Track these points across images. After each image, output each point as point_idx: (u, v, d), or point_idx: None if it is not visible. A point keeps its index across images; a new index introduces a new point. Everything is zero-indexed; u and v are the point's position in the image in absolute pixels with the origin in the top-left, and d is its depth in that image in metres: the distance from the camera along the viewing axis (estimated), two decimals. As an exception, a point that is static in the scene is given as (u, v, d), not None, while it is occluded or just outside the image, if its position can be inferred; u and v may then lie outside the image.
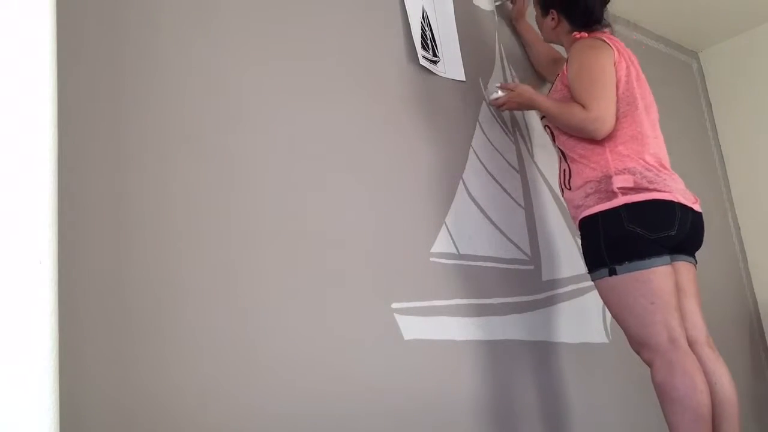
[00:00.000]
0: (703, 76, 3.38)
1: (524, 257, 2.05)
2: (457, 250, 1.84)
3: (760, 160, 3.15)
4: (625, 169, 1.68)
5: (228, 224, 1.39)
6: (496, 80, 2.19)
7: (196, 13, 1.47)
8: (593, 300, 2.20)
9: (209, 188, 1.39)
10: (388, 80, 1.84)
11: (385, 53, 1.86)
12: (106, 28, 1.32)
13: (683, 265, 1.73)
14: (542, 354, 1.96)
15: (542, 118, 2.00)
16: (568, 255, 2.20)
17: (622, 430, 2.14)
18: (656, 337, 1.58)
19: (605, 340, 2.19)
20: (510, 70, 2.27)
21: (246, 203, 1.44)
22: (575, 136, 1.77)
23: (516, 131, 2.21)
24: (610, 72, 1.74)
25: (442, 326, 1.73)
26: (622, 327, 1.67)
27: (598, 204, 1.68)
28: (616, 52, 1.77)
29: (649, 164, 1.70)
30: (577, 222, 1.77)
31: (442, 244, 1.81)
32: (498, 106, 1.96)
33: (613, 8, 2.85)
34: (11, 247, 0.77)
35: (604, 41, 1.80)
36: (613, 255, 1.63)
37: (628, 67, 1.78)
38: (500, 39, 2.27)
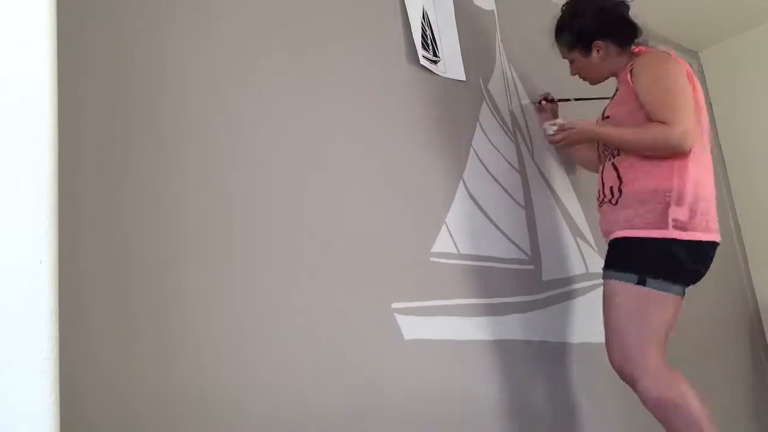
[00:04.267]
0: (704, 76, 3.38)
1: (524, 257, 2.05)
2: (458, 250, 1.84)
3: (760, 160, 3.15)
4: (684, 200, 1.63)
5: (228, 224, 1.39)
6: (497, 81, 2.19)
7: (197, 13, 1.47)
8: (594, 300, 2.20)
9: (209, 188, 1.39)
10: (388, 80, 1.84)
11: (385, 53, 1.86)
12: (106, 28, 1.32)
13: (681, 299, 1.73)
14: (542, 354, 1.96)
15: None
16: (568, 255, 2.20)
17: (622, 429, 2.14)
18: (647, 355, 1.60)
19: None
20: (510, 70, 2.27)
21: (246, 203, 1.44)
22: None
23: (516, 131, 2.21)
24: (685, 84, 1.68)
25: (443, 326, 1.73)
26: (614, 336, 1.66)
27: (645, 229, 1.65)
28: (687, 67, 1.72)
29: (707, 199, 1.67)
30: (610, 235, 1.74)
31: (442, 243, 1.81)
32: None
33: (613, 8, 2.85)
34: (11, 246, 0.77)
35: (671, 56, 1.74)
36: (649, 266, 1.62)
37: (694, 88, 1.72)
38: (500, 39, 2.27)
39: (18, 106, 0.82)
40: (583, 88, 2.11)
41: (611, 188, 1.77)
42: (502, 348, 1.86)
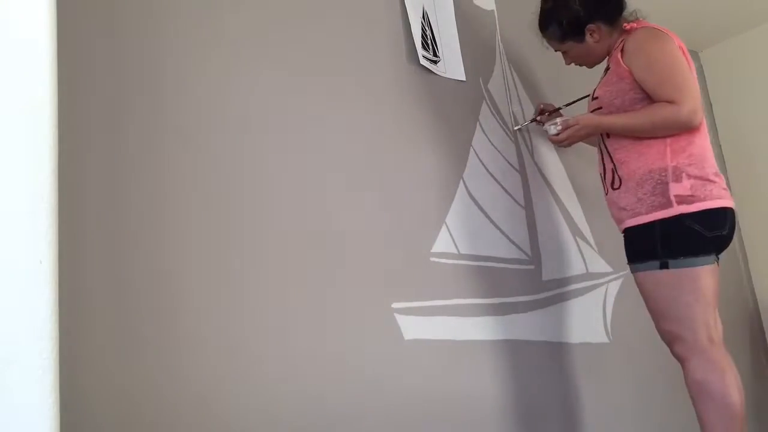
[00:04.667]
0: (704, 76, 3.38)
1: (524, 257, 2.05)
2: (458, 250, 1.84)
3: (760, 160, 3.15)
4: (682, 172, 1.63)
5: (228, 224, 1.39)
6: (497, 81, 2.19)
7: (197, 13, 1.47)
8: (594, 300, 2.20)
9: (209, 188, 1.39)
10: (388, 80, 1.84)
11: (385, 53, 1.86)
12: (107, 28, 1.32)
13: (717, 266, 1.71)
14: (543, 354, 1.96)
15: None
16: (568, 255, 2.20)
17: (622, 429, 2.13)
18: (697, 334, 1.58)
19: (605, 340, 2.19)
20: (510, 70, 2.27)
21: (246, 203, 1.44)
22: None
23: (516, 131, 2.21)
24: (682, 59, 1.67)
25: (443, 326, 1.73)
26: (657, 320, 1.66)
27: (651, 212, 1.64)
28: (679, 42, 1.71)
29: (707, 168, 1.65)
30: (621, 225, 1.74)
31: (442, 243, 1.81)
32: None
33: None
34: (11, 247, 0.77)
35: (663, 32, 1.72)
36: (667, 248, 1.62)
37: (689, 61, 1.70)
38: (500, 39, 2.27)
39: (18, 106, 0.82)
40: (582, 76, 2.10)
41: (611, 172, 1.77)
42: (502, 348, 1.86)
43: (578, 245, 2.20)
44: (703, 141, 1.69)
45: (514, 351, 1.89)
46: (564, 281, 2.14)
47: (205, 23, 1.48)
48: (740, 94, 3.24)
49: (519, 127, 2.12)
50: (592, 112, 1.81)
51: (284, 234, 1.48)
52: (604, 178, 1.82)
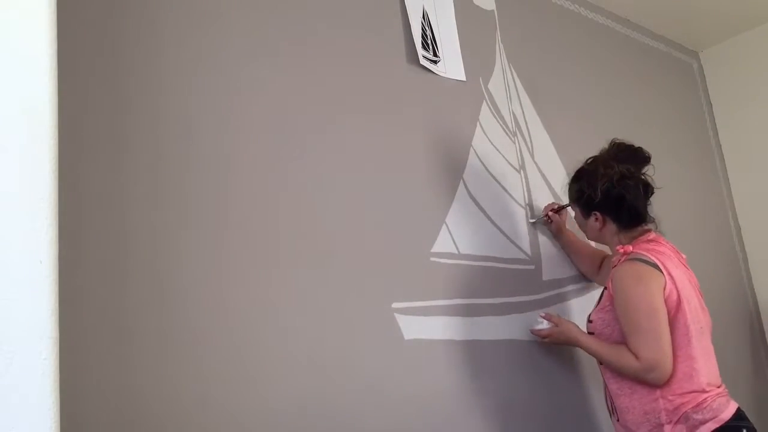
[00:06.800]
0: (704, 76, 3.38)
1: (525, 257, 2.05)
2: (458, 250, 1.84)
3: (760, 160, 3.15)
4: (678, 417, 1.60)
5: (228, 225, 1.39)
6: (497, 81, 2.19)
7: (197, 13, 1.47)
8: (594, 299, 2.20)
9: (209, 188, 1.39)
10: (388, 80, 1.84)
11: (385, 53, 1.86)
12: (107, 28, 1.32)
13: None
14: (543, 354, 1.96)
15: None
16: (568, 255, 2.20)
17: (622, 430, 2.13)
18: None
19: (605, 340, 2.19)
20: (510, 70, 2.27)
21: (245, 203, 1.44)
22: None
23: (516, 131, 2.21)
24: (662, 309, 1.62)
25: (443, 326, 1.73)
26: None
27: None
28: (666, 277, 1.65)
29: (701, 401, 1.61)
30: None
31: (442, 243, 1.81)
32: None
33: (614, 7, 2.86)
34: (11, 246, 0.77)
35: (655, 265, 1.66)
36: None
37: (678, 291, 1.65)
38: (500, 39, 2.27)
39: (18, 106, 0.82)
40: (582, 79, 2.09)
41: (607, 400, 1.78)
42: (503, 348, 1.86)
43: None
44: (697, 374, 1.62)
45: (514, 351, 1.89)
46: (564, 281, 2.14)
47: (205, 23, 1.48)
48: (740, 94, 3.24)
49: (534, 220, 2.12)
50: (588, 333, 1.82)
51: (284, 234, 1.48)
52: (606, 398, 1.81)
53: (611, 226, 1.81)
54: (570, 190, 1.92)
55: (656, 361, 1.60)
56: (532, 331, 1.90)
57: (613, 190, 1.76)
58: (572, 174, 1.91)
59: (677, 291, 1.65)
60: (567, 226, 2.15)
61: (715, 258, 2.90)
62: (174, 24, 1.43)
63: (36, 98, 0.83)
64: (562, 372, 2.01)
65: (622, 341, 1.69)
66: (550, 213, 2.11)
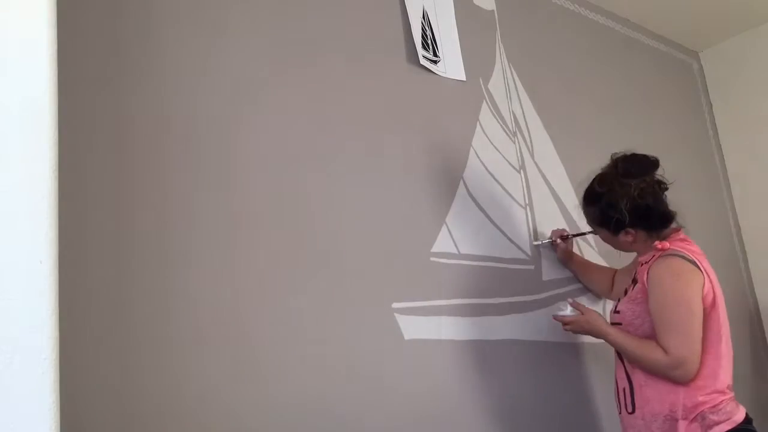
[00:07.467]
0: (704, 76, 3.38)
1: (525, 257, 2.05)
2: (458, 250, 1.84)
3: (760, 161, 3.15)
4: (695, 415, 1.60)
5: (228, 224, 1.39)
6: (497, 81, 2.19)
7: (198, 12, 1.47)
8: (594, 299, 2.20)
9: (209, 188, 1.39)
10: (388, 80, 1.84)
11: (385, 53, 1.86)
12: (107, 27, 1.32)
13: None
14: (543, 354, 1.96)
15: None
16: (568, 255, 2.20)
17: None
18: None
19: (605, 340, 2.19)
20: (510, 70, 2.27)
21: (246, 203, 1.44)
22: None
23: (516, 131, 2.21)
24: (698, 306, 1.62)
25: (443, 326, 1.73)
26: None
27: None
28: (705, 275, 1.66)
29: (718, 403, 1.61)
30: None
31: (442, 243, 1.81)
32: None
33: (614, 7, 2.86)
34: (11, 246, 0.77)
35: (694, 263, 1.66)
36: None
37: (714, 290, 1.67)
38: (500, 39, 2.27)
39: (18, 106, 0.82)
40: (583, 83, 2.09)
41: (624, 391, 1.75)
42: (503, 348, 1.86)
43: (578, 245, 2.20)
44: (722, 372, 1.64)
45: (514, 351, 1.89)
46: (564, 281, 2.14)
47: (205, 23, 1.48)
48: (740, 94, 3.24)
49: (539, 243, 2.12)
50: (612, 324, 1.80)
51: (284, 234, 1.48)
52: (617, 392, 1.79)
53: (642, 234, 1.78)
54: (588, 213, 1.87)
55: (685, 358, 1.59)
56: (555, 317, 1.87)
57: (638, 205, 1.74)
58: (583, 196, 1.87)
59: (713, 290, 1.66)
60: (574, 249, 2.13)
61: (715, 258, 2.89)
62: (176, 23, 1.43)
63: (36, 98, 0.83)
64: (562, 372, 2.01)
65: (651, 335, 1.68)
66: (559, 240, 2.09)
